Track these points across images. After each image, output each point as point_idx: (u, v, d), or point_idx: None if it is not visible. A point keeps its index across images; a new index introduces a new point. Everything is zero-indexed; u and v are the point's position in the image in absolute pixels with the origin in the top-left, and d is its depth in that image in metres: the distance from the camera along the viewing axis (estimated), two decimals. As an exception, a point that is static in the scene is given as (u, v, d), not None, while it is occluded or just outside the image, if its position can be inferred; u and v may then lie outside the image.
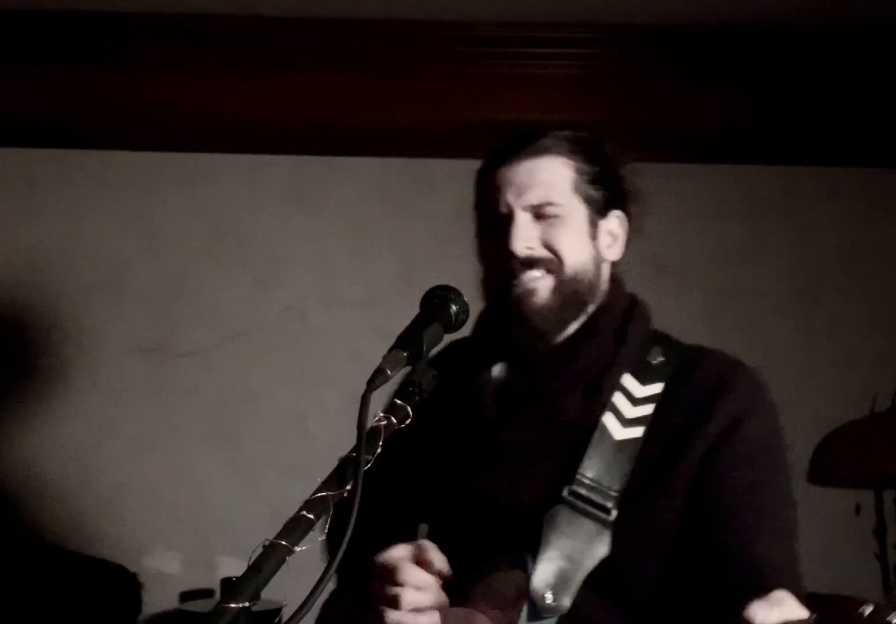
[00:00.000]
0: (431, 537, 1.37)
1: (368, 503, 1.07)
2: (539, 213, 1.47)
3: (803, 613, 0.95)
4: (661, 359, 1.45)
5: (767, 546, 1.30)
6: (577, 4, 3.25)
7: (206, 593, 3.07)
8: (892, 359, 3.26)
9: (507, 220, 1.47)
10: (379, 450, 1.17)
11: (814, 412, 3.10)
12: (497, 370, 1.52)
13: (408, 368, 1.26)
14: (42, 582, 2.74)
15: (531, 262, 1.45)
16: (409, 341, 1.27)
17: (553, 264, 1.46)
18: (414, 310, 1.39)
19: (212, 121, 3.40)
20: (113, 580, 2.83)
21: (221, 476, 3.27)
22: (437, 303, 1.37)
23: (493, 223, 1.50)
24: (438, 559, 1.26)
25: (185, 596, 3.07)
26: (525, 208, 1.47)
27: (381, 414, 1.22)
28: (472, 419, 1.43)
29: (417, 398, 1.27)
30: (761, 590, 0.99)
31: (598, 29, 3.36)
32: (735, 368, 1.44)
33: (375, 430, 1.19)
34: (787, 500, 1.37)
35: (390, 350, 1.27)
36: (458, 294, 1.41)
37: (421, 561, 1.25)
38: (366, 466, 1.09)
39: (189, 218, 3.43)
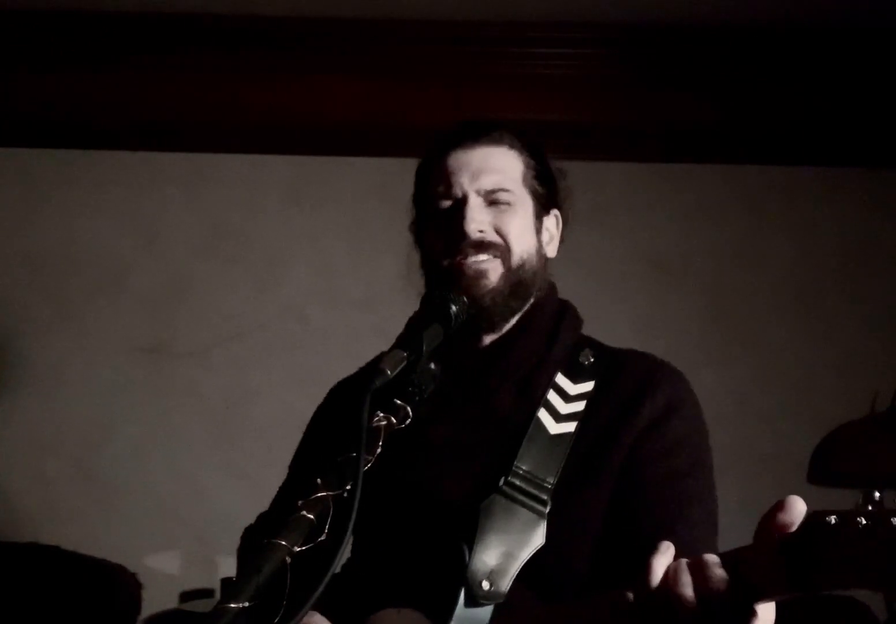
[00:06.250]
0: (361, 533, 1.37)
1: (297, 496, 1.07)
2: (491, 199, 1.48)
3: None
4: (591, 360, 1.49)
5: (686, 535, 1.31)
6: (577, 4, 3.25)
7: (206, 593, 3.07)
8: (891, 359, 3.25)
9: (459, 203, 1.48)
10: (379, 450, 1.18)
11: (814, 412, 3.10)
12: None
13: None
14: (41, 582, 2.73)
15: (481, 246, 1.46)
16: (409, 341, 1.28)
17: (502, 250, 1.47)
18: (414, 310, 1.39)
19: (212, 121, 3.40)
20: (113, 580, 2.82)
21: (221, 476, 3.27)
22: (437, 303, 1.37)
23: (440, 208, 1.50)
24: None
25: (185, 596, 3.07)
26: (479, 192, 1.48)
27: (381, 414, 1.22)
28: None
29: (417, 398, 1.27)
30: None
31: (598, 29, 3.36)
32: (662, 367, 1.49)
33: (375, 430, 1.19)
34: (708, 494, 1.39)
35: (390, 350, 1.27)
36: (459, 294, 1.41)
37: None
38: (366, 466, 1.09)
39: (189, 218, 3.43)
